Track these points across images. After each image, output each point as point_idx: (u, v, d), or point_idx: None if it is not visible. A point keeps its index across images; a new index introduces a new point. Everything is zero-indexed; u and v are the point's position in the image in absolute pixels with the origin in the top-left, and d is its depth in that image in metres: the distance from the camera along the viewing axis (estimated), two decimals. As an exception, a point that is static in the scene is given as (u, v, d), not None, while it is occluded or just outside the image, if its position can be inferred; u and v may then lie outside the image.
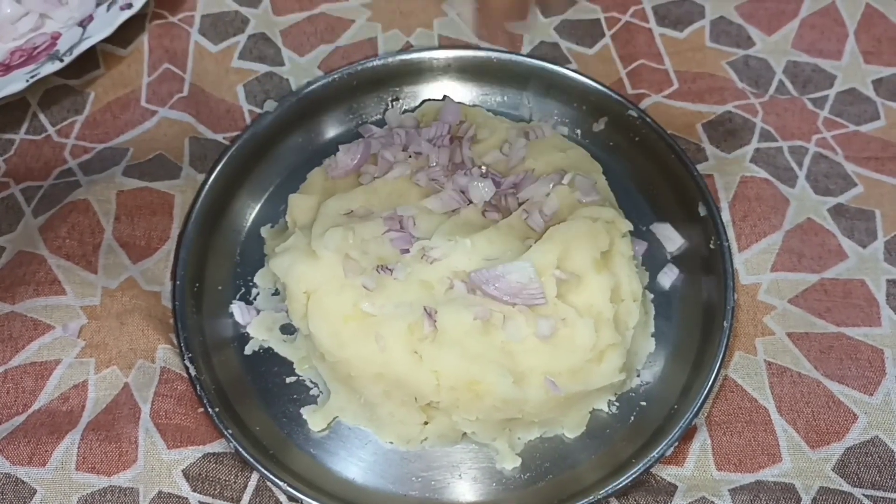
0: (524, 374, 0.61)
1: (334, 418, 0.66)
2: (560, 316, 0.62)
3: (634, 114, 0.75)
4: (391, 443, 0.65)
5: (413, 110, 0.80)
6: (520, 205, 0.67)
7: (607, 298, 0.63)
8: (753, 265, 0.71)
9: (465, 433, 0.65)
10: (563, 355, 0.61)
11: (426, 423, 0.64)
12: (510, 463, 0.64)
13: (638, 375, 0.68)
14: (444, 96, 0.78)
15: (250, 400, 0.67)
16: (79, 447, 0.62)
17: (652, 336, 0.69)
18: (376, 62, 0.78)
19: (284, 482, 0.61)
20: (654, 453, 0.61)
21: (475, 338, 0.61)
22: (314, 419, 0.66)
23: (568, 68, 0.78)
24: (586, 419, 0.66)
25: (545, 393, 0.61)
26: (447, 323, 0.61)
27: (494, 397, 0.60)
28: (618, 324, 0.64)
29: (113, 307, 0.69)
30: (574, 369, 0.61)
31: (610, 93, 0.76)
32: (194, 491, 0.62)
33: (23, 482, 0.61)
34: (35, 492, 0.61)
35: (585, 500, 0.60)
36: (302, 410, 0.67)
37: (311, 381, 0.68)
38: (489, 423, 0.63)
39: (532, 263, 0.61)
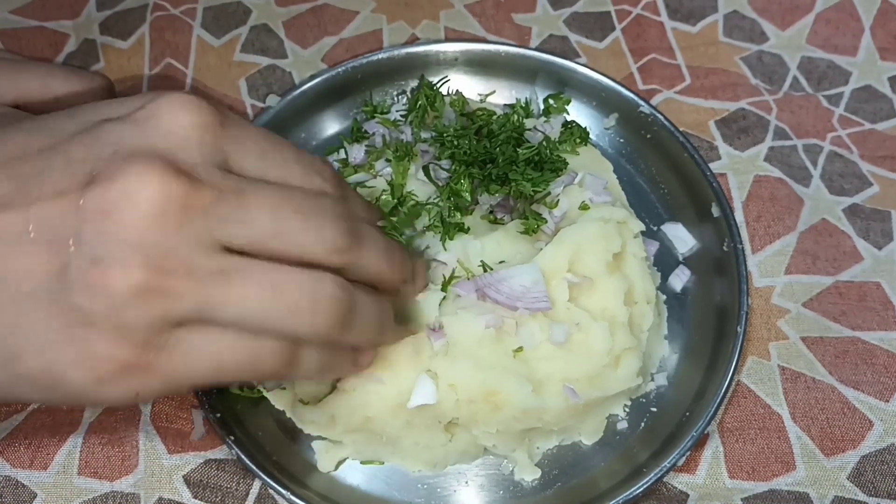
0: (541, 382, 0.59)
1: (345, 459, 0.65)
2: (574, 321, 0.60)
3: (646, 110, 0.74)
4: (419, 470, 0.64)
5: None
6: (530, 205, 0.66)
7: (621, 301, 0.62)
8: (767, 267, 0.70)
9: (485, 447, 0.63)
10: (579, 361, 0.60)
11: (449, 441, 0.62)
12: (529, 474, 0.63)
13: (652, 379, 0.67)
14: (457, 91, 0.76)
15: (253, 404, 0.65)
16: (81, 451, 0.61)
17: (665, 339, 0.68)
18: (381, 56, 0.77)
19: (287, 490, 0.59)
20: (666, 463, 0.60)
21: (488, 347, 0.59)
22: (324, 461, 0.64)
23: (577, 63, 0.77)
24: (603, 425, 0.65)
25: (564, 401, 0.59)
26: (458, 334, 0.59)
27: (513, 407, 0.58)
28: (632, 327, 0.63)
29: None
30: (591, 375, 0.60)
31: (621, 89, 0.75)
32: (195, 497, 0.61)
33: (23, 485, 0.60)
34: (35, 496, 0.60)
35: (595, 509, 0.59)
36: (314, 444, 0.65)
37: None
38: (509, 434, 0.61)
39: (538, 266, 0.60)
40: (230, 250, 0.44)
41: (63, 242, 0.41)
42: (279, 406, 0.65)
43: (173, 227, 0.42)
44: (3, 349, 0.43)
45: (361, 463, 0.64)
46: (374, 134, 0.73)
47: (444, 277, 0.61)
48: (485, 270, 0.61)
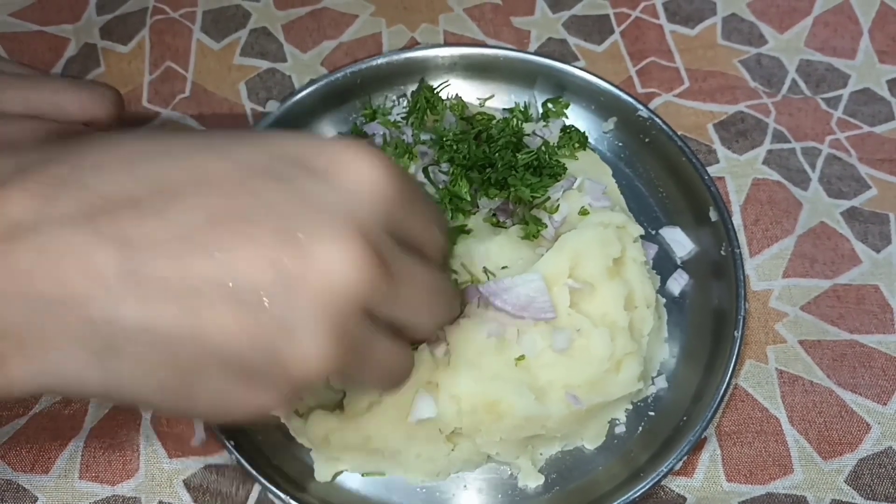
0: (543, 390, 0.59)
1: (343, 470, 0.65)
2: (575, 327, 0.60)
3: (644, 114, 0.74)
4: (422, 481, 0.64)
5: (418, 109, 0.78)
6: (530, 210, 0.66)
7: (621, 306, 0.62)
8: (765, 271, 0.70)
9: (488, 455, 0.63)
10: (580, 367, 0.60)
11: (451, 451, 0.62)
12: (533, 481, 0.63)
13: (652, 383, 0.67)
14: (456, 95, 0.76)
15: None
16: (82, 455, 0.61)
17: (665, 342, 0.68)
18: (380, 61, 0.77)
19: (286, 494, 0.60)
20: (664, 467, 0.60)
21: (490, 356, 0.59)
22: (322, 472, 0.63)
23: (576, 66, 0.77)
24: (606, 429, 0.65)
25: (566, 407, 0.59)
26: (460, 343, 0.59)
27: (516, 416, 0.58)
28: (633, 331, 0.63)
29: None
30: (593, 381, 0.60)
31: (619, 93, 0.75)
32: (195, 502, 0.61)
33: (24, 489, 0.61)
34: (37, 499, 0.60)
35: (593, 512, 0.60)
36: (312, 453, 0.64)
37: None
38: (512, 442, 0.61)
39: (542, 276, 0.60)
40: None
41: (256, 299, 0.39)
42: (275, 413, 0.65)
43: (359, 304, 0.42)
44: (180, 396, 0.42)
45: (362, 475, 0.64)
46: (374, 135, 0.74)
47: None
48: (487, 276, 0.61)
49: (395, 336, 0.48)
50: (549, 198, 0.65)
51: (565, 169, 0.67)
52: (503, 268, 0.62)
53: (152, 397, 0.42)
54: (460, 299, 0.54)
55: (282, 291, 0.40)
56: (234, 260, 0.39)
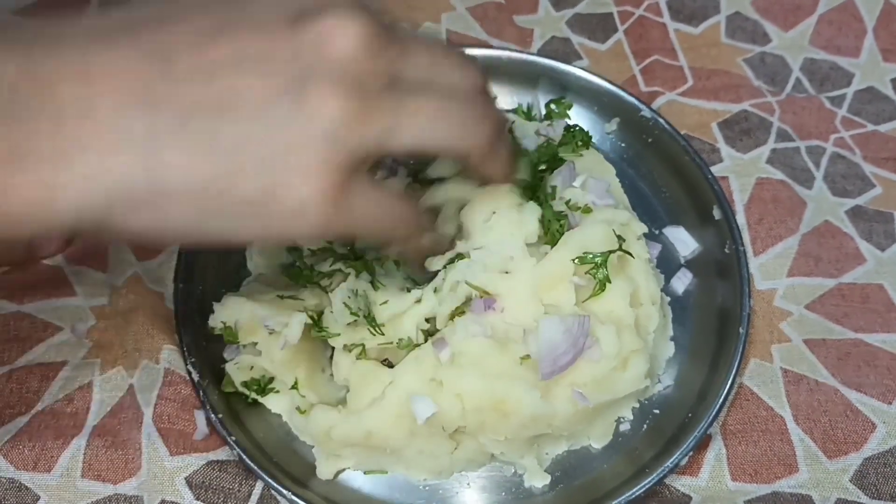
0: (550, 388, 0.59)
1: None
2: None
3: (647, 115, 0.74)
4: (424, 479, 0.63)
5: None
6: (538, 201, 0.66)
7: (627, 303, 0.61)
8: (769, 270, 0.70)
9: (492, 454, 0.63)
10: (587, 365, 0.59)
11: (455, 448, 0.62)
12: (539, 480, 0.63)
13: (659, 381, 0.67)
14: None
15: (254, 405, 0.65)
16: (85, 453, 0.61)
17: (670, 340, 0.68)
18: (384, 59, 0.76)
19: (289, 491, 0.60)
20: (668, 463, 0.60)
21: (495, 356, 0.58)
22: (324, 469, 0.63)
23: (579, 66, 0.77)
24: (612, 428, 0.65)
25: (573, 405, 0.59)
26: (464, 342, 0.58)
27: (522, 415, 0.58)
28: (639, 328, 0.62)
29: (119, 304, 0.68)
30: (599, 378, 0.59)
31: (622, 93, 0.75)
32: (197, 499, 0.61)
33: (27, 488, 0.61)
34: (38, 498, 0.60)
35: (597, 510, 0.59)
36: (314, 450, 0.64)
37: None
38: (517, 441, 0.61)
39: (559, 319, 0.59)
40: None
41: (278, 67, 0.44)
42: (276, 410, 0.65)
43: (373, 56, 0.45)
44: (226, 166, 0.44)
45: (364, 473, 0.64)
46: None
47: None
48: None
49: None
50: (549, 184, 0.65)
51: (561, 160, 0.67)
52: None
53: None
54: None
55: (301, 55, 0.44)
56: (249, 40, 0.44)
